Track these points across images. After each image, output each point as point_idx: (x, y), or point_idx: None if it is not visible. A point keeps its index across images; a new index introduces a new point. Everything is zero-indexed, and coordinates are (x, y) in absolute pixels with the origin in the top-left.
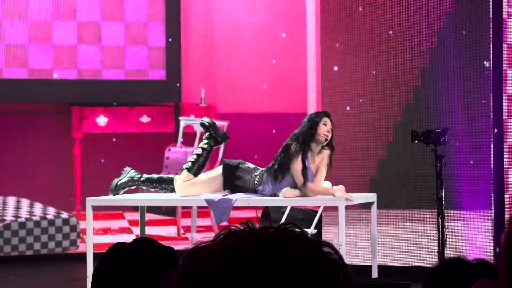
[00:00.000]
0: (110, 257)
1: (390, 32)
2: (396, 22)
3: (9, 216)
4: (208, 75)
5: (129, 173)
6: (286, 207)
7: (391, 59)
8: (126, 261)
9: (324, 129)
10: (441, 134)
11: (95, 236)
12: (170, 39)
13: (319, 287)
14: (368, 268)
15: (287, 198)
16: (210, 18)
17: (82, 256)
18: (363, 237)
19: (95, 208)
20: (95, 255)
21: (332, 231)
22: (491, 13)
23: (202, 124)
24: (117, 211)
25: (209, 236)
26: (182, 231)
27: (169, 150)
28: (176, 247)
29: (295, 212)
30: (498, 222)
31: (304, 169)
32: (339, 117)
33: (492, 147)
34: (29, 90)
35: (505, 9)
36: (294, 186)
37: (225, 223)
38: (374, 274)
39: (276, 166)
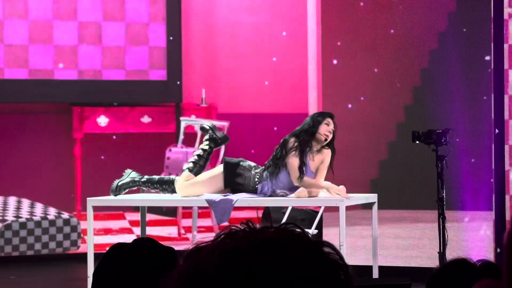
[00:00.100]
0: (110, 257)
1: (392, 31)
2: (398, 22)
3: (10, 216)
4: (209, 75)
5: (130, 174)
6: (287, 207)
7: (392, 59)
8: (126, 261)
9: (326, 128)
10: (442, 134)
11: (95, 236)
12: (171, 37)
13: (319, 287)
14: (369, 268)
15: (287, 198)
16: (210, 18)
17: (83, 257)
18: (364, 237)
19: (95, 209)
20: (96, 256)
21: (333, 231)
22: (492, 13)
23: (202, 128)
24: (117, 212)
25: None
26: (182, 231)
27: (170, 150)
28: (176, 248)
29: (296, 213)
30: (499, 222)
31: (302, 165)
32: (340, 116)
33: (493, 147)
34: (30, 90)
35: (506, 9)
36: (290, 181)
37: (225, 224)
38: (375, 274)
39: (272, 161)
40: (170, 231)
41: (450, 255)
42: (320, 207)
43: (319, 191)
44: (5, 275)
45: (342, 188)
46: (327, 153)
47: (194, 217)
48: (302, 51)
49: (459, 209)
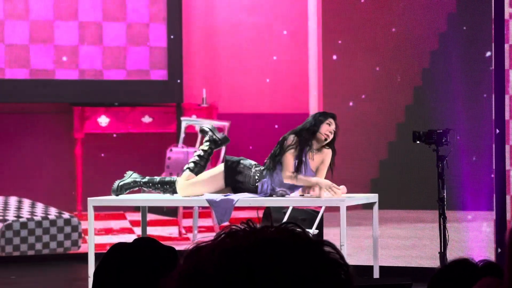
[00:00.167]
0: (111, 257)
1: (393, 29)
2: (398, 21)
3: (10, 216)
4: (210, 75)
5: (132, 175)
6: (287, 207)
7: (393, 59)
8: (127, 261)
9: (327, 128)
10: (443, 134)
11: (96, 236)
12: (172, 37)
13: (320, 286)
14: (369, 268)
15: (288, 198)
16: (211, 18)
17: (84, 256)
18: (364, 237)
19: (96, 209)
20: (97, 255)
21: (334, 231)
22: (493, 13)
23: (201, 131)
24: (118, 212)
25: (210, 236)
26: (183, 231)
27: (171, 150)
28: (177, 248)
29: (297, 213)
30: (500, 222)
31: (300, 163)
32: (341, 116)
33: (494, 147)
34: (30, 90)
35: (507, 9)
36: (289, 183)
37: (226, 223)
38: (376, 274)
39: (270, 158)
40: (170, 231)
41: (450, 255)
42: (320, 207)
43: (323, 192)
44: (6, 275)
45: (343, 188)
46: (327, 153)
47: (195, 217)
48: (303, 50)
49: (459, 209)
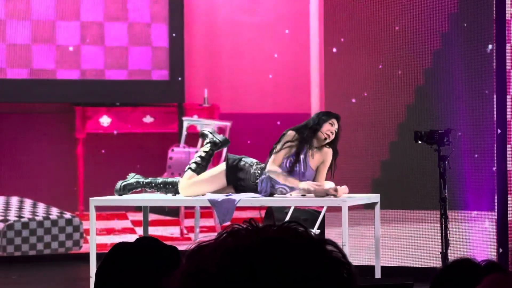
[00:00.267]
0: (113, 256)
1: (397, 28)
2: (400, 21)
3: (12, 216)
4: (211, 75)
5: (135, 177)
6: (289, 207)
7: (394, 58)
8: (129, 261)
9: (328, 128)
10: (445, 134)
11: (98, 236)
12: (173, 39)
13: (322, 285)
14: (371, 268)
15: (290, 198)
16: (213, 18)
17: (85, 256)
18: (366, 237)
19: (98, 208)
20: (98, 255)
21: (335, 231)
22: (494, 13)
23: (201, 134)
24: (120, 212)
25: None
26: (185, 231)
27: (172, 150)
28: (179, 248)
29: (298, 213)
30: (501, 222)
31: (296, 162)
32: (342, 115)
33: (495, 147)
34: (32, 90)
35: (509, 9)
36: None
37: (228, 223)
38: (377, 274)
39: (269, 155)
40: (172, 231)
41: (452, 255)
42: (322, 207)
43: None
44: (8, 275)
45: (344, 188)
46: (327, 152)
47: (197, 217)
48: (305, 49)
49: (461, 209)
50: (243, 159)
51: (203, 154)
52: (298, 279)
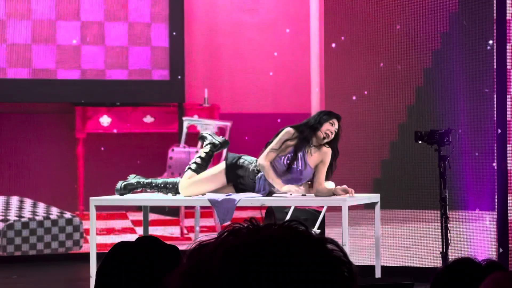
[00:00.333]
0: (114, 256)
1: (398, 26)
2: (400, 20)
3: (12, 216)
4: (212, 75)
5: (135, 177)
6: (289, 207)
7: (395, 58)
8: (130, 260)
9: (328, 127)
10: (445, 134)
11: (98, 236)
12: (173, 39)
13: (323, 284)
14: (371, 268)
15: (290, 198)
16: (213, 18)
17: (86, 256)
18: (366, 237)
19: (98, 208)
20: (98, 255)
21: (336, 231)
22: (495, 13)
23: (201, 137)
24: (120, 211)
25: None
26: (185, 231)
27: (173, 150)
28: (179, 247)
29: (299, 212)
30: (501, 222)
31: (293, 160)
32: (342, 115)
33: (496, 147)
34: (32, 90)
35: (509, 9)
36: (285, 173)
37: (228, 223)
38: (378, 274)
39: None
40: (172, 230)
41: (452, 255)
42: (322, 206)
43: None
44: (8, 274)
45: (345, 188)
46: (327, 152)
47: (197, 217)
48: (305, 49)
49: (461, 209)
50: (242, 157)
51: (203, 155)
52: (299, 278)
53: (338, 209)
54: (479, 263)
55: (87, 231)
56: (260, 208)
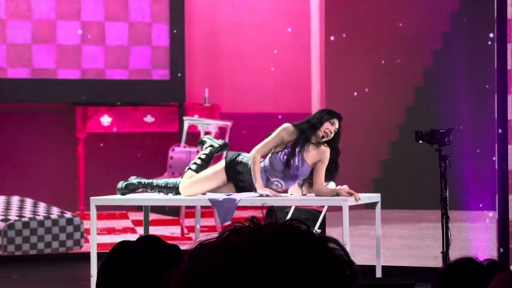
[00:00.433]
0: (115, 255)
1: (400, 24)
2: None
3: (13, 216)
4: (212, 74)
5: (137, 178)
6: (290, 207)
7: (395, 58)
8: (131, 259)
9: (328, 126)
10: (446, 134)
11: (99, 236)
12: (174, 38)
13: (325, 283)
14: (372, 268)
15: (291, 198)
16: (213, 17)
17: (86, 256)
18: (367, 237)
19: (99, 208)
20: (99, 255)
21: (336, 231)
22: (495, 13)
23: (200, 142)
24: (121, 211)
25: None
26: (185, 231)
27: (173, 150)
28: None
29: (299, 212)
30: (502, 222)
31: (294, 154)
32: (344, 114)
33: (496, 147)
34: (33, 89)
35: (510, 9)
36: (283, 168)
37: (229, 223)
38: (378, 274)
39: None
40: (173, 230)
41: (453, 255)
42: (323, 206)
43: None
44: (8, 274)
45: (345, 187)
46: (325, 151)
47: (197, 217)
48: (306, 48)
49: (462, 209)
50: (241, 154)
51: (203, 156)
52: (301, 277)
53: (339, 209)
54: (480, 263)
55: (87, 231)
56: (261, 207)
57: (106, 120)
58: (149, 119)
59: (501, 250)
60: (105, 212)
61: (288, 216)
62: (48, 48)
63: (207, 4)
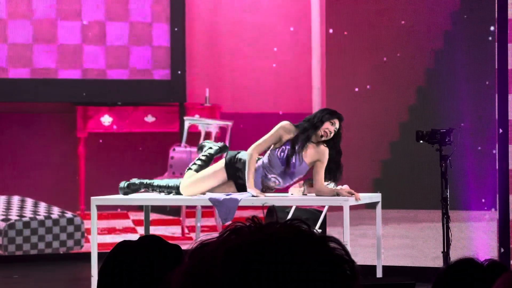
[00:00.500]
0: (116, 255)
1: (403, 22)
2: (402, 18)
3: (13, 216)
4: (213, 74)
5: (138, 179)
6: (290, 207)
7: (395, 57)
8: (132, 259)
9: (328, 126)
10: (446, 134)
11: (99, 235)
12: (174, 38)
13: (326, 283)
14: (372, 268)
15: (291, 198)
16: (214, 17)
17: (87, 256)
18: (367, 237)
19: (99, 208)
20: (100, 255)
21: (337, 231)
22: (496, 13)
23: (200, 147)
24: (121, 211)
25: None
26: (186, 231)
27: (174, 150)
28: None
29: (300, 212)
30: (503, 222)
31: (291, 156)
32: (344, 113)
33: (497, 147)
34: (33, 89)
35: (511, 9)
36: (281, 166)
37: (230, 223)
38: (379, 274)
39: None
40: (173, 230)
41: (454, 254)
42: (324, 206)
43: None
44: (9, 274)
45: (346, 187)
46: (324, 151)
47: (198, 217)
48: (307, 48)
49: (463, 209)
50: (241, 152)
51: (203, 157)
52: (302, 276)
53: (339, 208)
54: (481, 263)
55: (88, 231)
56: (262, 207)
57: (106, 120)
58: (149, 119)
59: (502, 250)
60: (105, 212)
61: (289, 216)
62: (49, 48)
63: (208, 4)
